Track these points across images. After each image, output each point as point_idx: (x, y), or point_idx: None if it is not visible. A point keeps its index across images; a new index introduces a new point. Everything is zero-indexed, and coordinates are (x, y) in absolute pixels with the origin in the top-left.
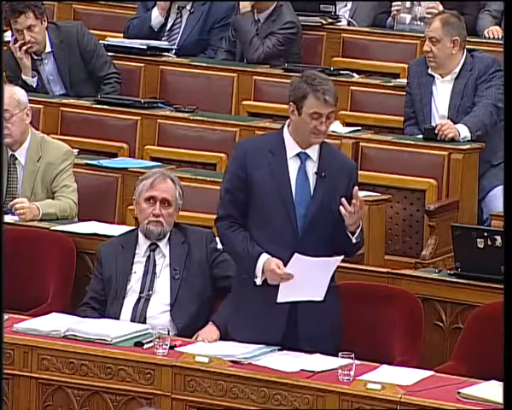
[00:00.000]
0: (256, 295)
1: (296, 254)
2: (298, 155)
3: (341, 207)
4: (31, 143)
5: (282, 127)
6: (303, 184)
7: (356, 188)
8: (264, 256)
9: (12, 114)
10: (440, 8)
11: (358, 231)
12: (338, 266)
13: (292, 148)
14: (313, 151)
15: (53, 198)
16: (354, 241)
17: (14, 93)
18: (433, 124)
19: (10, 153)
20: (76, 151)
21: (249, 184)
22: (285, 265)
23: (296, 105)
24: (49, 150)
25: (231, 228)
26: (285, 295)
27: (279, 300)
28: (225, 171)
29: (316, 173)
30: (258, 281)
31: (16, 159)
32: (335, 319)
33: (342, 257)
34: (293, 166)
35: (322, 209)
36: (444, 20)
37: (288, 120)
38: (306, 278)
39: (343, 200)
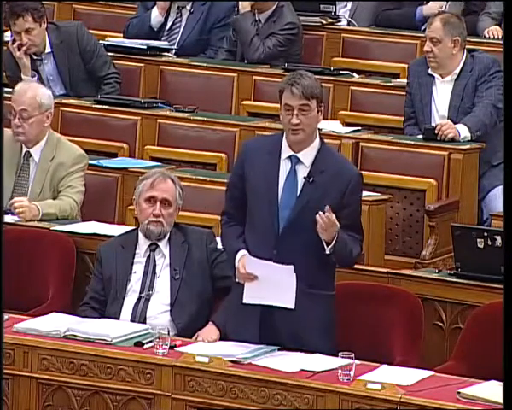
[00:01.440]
0: (237, 292)
1: (247, 256)
2: (289, 157)
3: (317, 216)
4: (47, 142)
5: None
6: (290, 187)
7: (327, 207)
8: (241, 253)
9: (30, 115)
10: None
11: (333, 242)
12: (337, 267)
13: (286, 150)
14: (306, 155)
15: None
16: (327, 252)
17: (37, 95)
18: (433, 124)
19: (25, 149)
20: None
21: (245, 182)
22: None
23: (280, 103)
24: (62, 151)
25: (227, 224)
26: (250, 296)
27: (245, 300)
28: None
29: (304, 178)
30: (237, 278)
31: (31, 156)
32: (321, 325)
33: (292, 266)
34: (284, 168)
35: (306, 214)
36: (444, 20)
37: None
38: (270, 282)
39: (320, 213)
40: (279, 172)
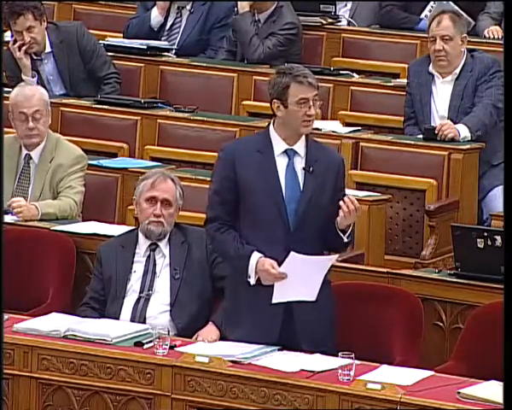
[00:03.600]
0: (251, 295)
1: (292, 253)
2: (285, 151)
3: (342, 202)
4: (46, 143)
5: (268, 126)
6: (292, 181)
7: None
8: (256, 255)
9: (42, 114)
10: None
11: (349, 230)
12: (337, 266)
13: (279, 145)
14: (300, 147)
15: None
16: (346, 240)
17: (43, 94)
18: (433, 124)
19: (25, 152)
20: None
21: (239, 184)
22: (278, 263)
23: (280, 99)
24: (61, 152)
25: (220, 230)
26: (280, 295)
27: (274, 300)
28: (213, 173)
29: (303, 169)
30: (252, 281)
31: (31, 158)
32: (329, 315)
33: (337, 256)
34: (281, 163)
35: (313, 204)
36: (453, 17)
37: (273, 118)
38: (300, 278)
39: (349, 197)
40: (277, 168)
